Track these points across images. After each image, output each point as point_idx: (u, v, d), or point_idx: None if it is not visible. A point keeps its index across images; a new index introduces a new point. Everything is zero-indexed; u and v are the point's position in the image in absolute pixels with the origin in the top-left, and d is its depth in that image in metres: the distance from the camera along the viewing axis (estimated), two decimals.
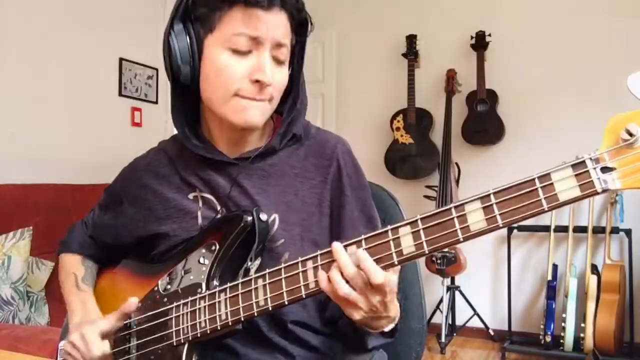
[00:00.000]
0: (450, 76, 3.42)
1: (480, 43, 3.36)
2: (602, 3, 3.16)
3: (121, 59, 3.09)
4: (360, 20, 3.87)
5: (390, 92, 3.72)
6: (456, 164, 3.39)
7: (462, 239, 0.63)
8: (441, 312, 3.25)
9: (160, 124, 3.30)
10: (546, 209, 0.58)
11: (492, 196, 0.60)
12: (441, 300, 3.26)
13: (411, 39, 3.57)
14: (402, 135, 3.54)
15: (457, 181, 3.37)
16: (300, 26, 0.89)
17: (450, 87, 3.40)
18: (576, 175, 0.57)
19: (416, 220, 0.65)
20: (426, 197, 3.41)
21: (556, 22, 3.27)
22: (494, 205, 0.60)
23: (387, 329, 0.78)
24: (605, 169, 0.56)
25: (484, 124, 3.34)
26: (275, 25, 0.83)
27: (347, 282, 0.69)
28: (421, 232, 0.65)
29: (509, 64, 3.39)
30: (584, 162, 0.57)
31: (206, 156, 0.91)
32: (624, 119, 0.56)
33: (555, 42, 3.27)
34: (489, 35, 3.36)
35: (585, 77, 3.17)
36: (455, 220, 0.62)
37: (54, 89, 2.72)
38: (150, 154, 1.04)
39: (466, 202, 0.62)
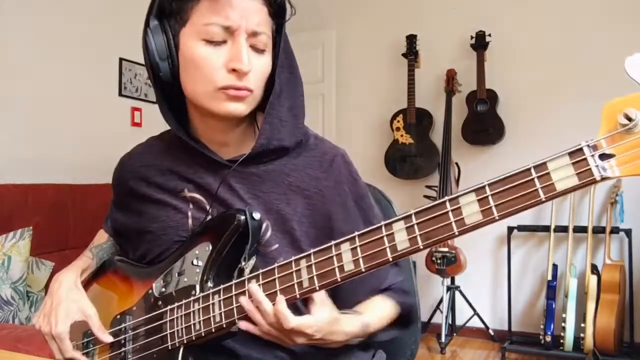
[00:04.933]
0: (450, 76, 3.42)
1: (480, 43, 3.36)
2: (602, 3, 3.16)
3: (121, 59, 3.09)
4: (360, 20, 3.87)
5: (390, 92, 3.72)
6: (456, 164, 3.39)
7: (457, 233, 0.60)
8: (441, 312, 3.25)
9: (160, 124, 3.28)
10: (543, 199, 0.55)
11: (487, 188, 0.58)
12: (441, 300, 3.26)
13: (411, 39, 3.57)
14: (402, 135, 3.54)
15: (457, 181, 3.37)
16: (278, 11, 0.85)
17: (450, 87, 3.40)
18: (573, 163, 0.54)
19: (410, 215, 0.64)
20: (426, 197, 3.41)
21: (556, 22, 3.27)
22: (490, 197, 0.58)
23: (353, 342, 0.82)
24: (603, 156, 0.53)
25: (484, 124, 3.34)
26: (249, 12, 0.80)
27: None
28: (415, 226, 0.63)
29: (509, 64, 3.39)
30: (581, 149, 0.54)
31: (201, 156, 0.89)
32: (621, 103, 0.53)
33: (555, 42, 3.27)
34: (489, 35, 3.36)
35: (585, 77, 3.17)
36: (450, 213, 0.60)
37: (54, 89, 2.72)
38: (136, 152, 1.02)
39: (461, 195, 0.60)
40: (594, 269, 2.96)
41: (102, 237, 1.06)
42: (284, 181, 0.89)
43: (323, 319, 0.74)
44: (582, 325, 2.87)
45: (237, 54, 0.80)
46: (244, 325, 0.74)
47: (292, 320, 0.71)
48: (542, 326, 3.06)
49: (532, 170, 0.56)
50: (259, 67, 0.84)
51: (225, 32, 0.80)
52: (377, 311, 0.89)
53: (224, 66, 0.81)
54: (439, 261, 3.16)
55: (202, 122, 0.90)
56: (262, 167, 0.89)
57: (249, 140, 0.92)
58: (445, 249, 3.16)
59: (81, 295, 0.91)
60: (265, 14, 0.83)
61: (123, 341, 0.88)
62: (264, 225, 0.86)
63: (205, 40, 0.81)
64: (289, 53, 0.89)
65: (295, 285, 0.72)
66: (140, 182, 0.97)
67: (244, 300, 0.74)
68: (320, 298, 0.74)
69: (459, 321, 3.45)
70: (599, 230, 3.02)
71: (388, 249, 0.65)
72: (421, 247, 0.63)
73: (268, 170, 0.89)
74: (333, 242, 0.70)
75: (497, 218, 0.58)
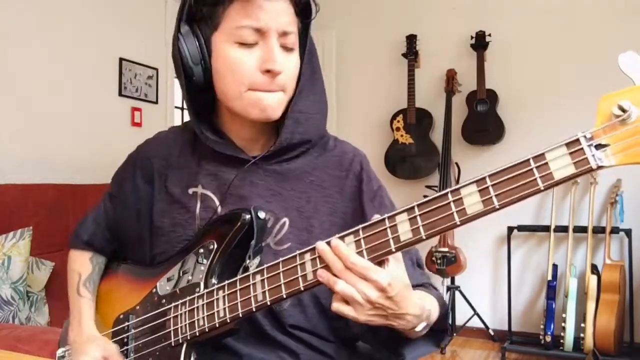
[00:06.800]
0: (450, 76, 3.42)
1: (480, 43, 3.36)
2: (602, 3, 3.16)
3: (121, 59, 3.09)
4: (360, 20, 3.88)
5: (390, 92, 3.72)
6: (456, 164, 3.39)
7: (459, 222, 0.62)
8: None
9: (160, 124, 3.31)
10: (542, 188, 0.57)
11: (487, 179, 0.60)
12: None
13: (411, 39, 3.57)
14: (402, 135, 3.54)
15: (457, 181, 3.37)
16: (304, 10, 0.87)
17: (450, 87, 3.40)
18: (570, 153, 0.57)
19: (413, 207, 0.65)
20: (426, 197, 3.41)
21: (556, 22, 3.27)
22: (490, 187, 0.60)
23: (418, 328, 0.73)
24: (599, 146, 0.56)
25: (484, 124, 3.34)
26: (278, 13, 0.82)
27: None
28: (418, 218, 0.65)
29: (509, 63, 3.39)
30: (577, 140, 0.56)
31: (224, 152, 0.90)
32: (615, 96, 0.56)
33: (555, 43, 3.27)
34: (489, 35, 3.36)
35: (585, 77, 3.17)
36: (452, 204, 0.62)
37: (53, 89, 2.72)
38: (158, 139, 1.02)
39: (462, 187, 0.62)
40: (594, 269, 2.96)
41: (85, 264, 1.00)
42: (305, 179, 0.91)
43: (398, 275, 0.69)
44: (582, 325, 2.87)
45: (270, 55, 0.82)
46: (322, 273, 0.69)
47: (364, 261, 0.67)
48: (542, 326, 3.06)
49: (531, 161, 0.58)
50: (290, 66, 0.86)
51: (256, 34, 0.82)
52: (426, 296, 0.81)
53: (257, 68, 0.83)
54: (439, 261, 3.16)
55: (232, 118, 0.91)
56: (285, 165, 0.91)
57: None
58: (445, 249, 3.16)
59: (104, 341, 0.90)
60: (292, 14, 0.84)
61: (125, 340, 0.88)
62: (280, 223, 0.87)
63: (238, 43, 0.82)
64: (312, 51, 0.91)
65: (300, 279, 0.72)
66: (162, 162, 0.96)
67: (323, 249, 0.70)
68: (395, 257, 0.70)
69: (459, 321, 3.45)
70: (599, 230, 3.02)
71: (391, 240, 0.66)
72: (424, 237, 0.64)
73: (291, 168, 0.91)
74: (337, 235, 0.70)
75: (497, 207, 0.60)
